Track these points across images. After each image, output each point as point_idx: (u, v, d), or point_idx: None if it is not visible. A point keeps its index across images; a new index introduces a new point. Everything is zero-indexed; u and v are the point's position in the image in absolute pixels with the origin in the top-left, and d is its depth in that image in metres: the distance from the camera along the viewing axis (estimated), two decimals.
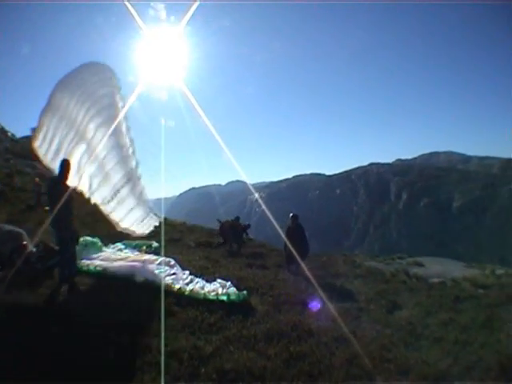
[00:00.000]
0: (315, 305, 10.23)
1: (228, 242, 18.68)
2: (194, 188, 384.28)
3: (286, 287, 11.67)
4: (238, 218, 19.88)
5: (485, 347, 7.99)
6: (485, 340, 8.39)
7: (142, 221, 11.74)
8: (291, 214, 15.74)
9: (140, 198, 11.32)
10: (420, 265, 21.50)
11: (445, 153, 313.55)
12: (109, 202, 11.28)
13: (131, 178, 10.96)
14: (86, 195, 11.40)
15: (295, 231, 15.15)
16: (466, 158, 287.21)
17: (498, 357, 7.30)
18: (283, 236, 15.22)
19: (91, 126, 10.98)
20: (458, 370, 6.93)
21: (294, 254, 13.90)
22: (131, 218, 11.58)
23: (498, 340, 8.38)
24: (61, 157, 10.65)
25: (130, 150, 10.89)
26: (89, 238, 12.80)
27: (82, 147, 11.19)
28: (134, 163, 10.95)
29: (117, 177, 11.01)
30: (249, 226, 20.21)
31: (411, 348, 8.02)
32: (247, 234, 20.09)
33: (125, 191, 11.07)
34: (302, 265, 13.56)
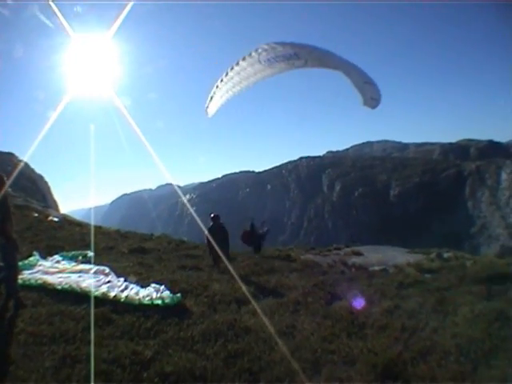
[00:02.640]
0: (359, 301, 10.68)
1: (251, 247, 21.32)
2: (125, 194, 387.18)
3: (220, 287, 12.08)
4: (252, 226, 21.78)
5: (439, 332, 8.16)
6: (438, 324, 8.57)
7: None
8: (211, 215, 16.69)
9: None
10: (359, 254, 22.13)
11: (379, 142, 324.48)
12: None
13: None
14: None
15: (217, 231, 16.11)
16: (403, 146, 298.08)
17: (456, 340, 7.49)
18: (205, 236, 16.17)
19: None
20: (411, 356, 6.98)
21: (219, 254, 14.91)
22: None
23: (455, 323, 8.57)
24: None
25: None
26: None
27: None
28: None
29: None
30: (267, 232, 23.20)
31: (355, 338, 8.10)
32: (264, 239, 22.42)
33: None
34: (227, 263, 14.33)
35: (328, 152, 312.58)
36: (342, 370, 6.64)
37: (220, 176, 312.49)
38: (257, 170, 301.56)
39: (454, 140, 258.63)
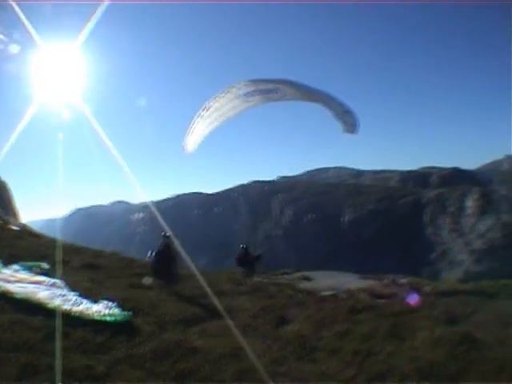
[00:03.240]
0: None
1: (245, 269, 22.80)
2: (81, 208, 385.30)
3: (169, 307, 12.29)
4: (246, 249, 23.65)
5: (396, 356, 8.23)
6: (394, 349, 8.65)
7: None
8: (163, 233, 16.97)
9: None
10: (308, 279, 22.24)
11: (334, 168, 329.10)
12: None
13: None
14: None
15: (165, 250, 16.43)
16: (359, 173, 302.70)
17: (416, 364, 7.55)
18: (150, 256, 16.83)
19: None
20: (367, 379, 7.06)
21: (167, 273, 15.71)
22: None
23: (413, 347, 8.66)
24: None
25: None
26: None
27: None
28: None
29: None
30: (260, 255, 25.44)
31: (305, 361, 8.15)
32: (258, 262, 24.61)
33: None
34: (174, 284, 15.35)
35: (281, 177, 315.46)
36: None
37: (172, 196, 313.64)
38: (208, 192, 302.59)
39: (415, 168, 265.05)
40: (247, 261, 23.01)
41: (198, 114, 14.79)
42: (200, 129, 15.02)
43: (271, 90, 13.65)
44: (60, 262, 18.05)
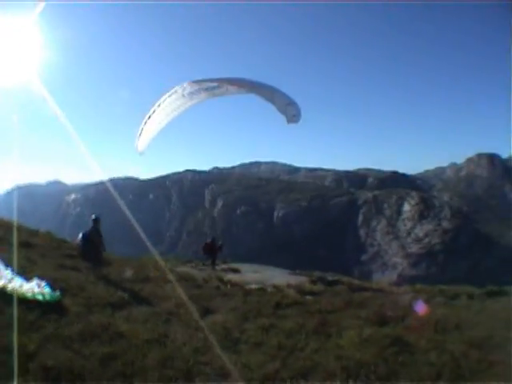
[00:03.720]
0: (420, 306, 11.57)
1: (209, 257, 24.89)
2: (19, 186, 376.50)
3: (97, 290, 12.47)
4: (214, 239, 25.69)
5: (321, 353, 8.41)
6: (320, 346, 8.86)
7: None
8: (93, 217, 16.99)
9: None
10: (236, 271, 22.50)
11: (267, 163, 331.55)
12: None
13: None
14: None
15: (93, 234, 16.43)
16: (293, 169, 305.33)
17: (340, 362, 7.73)
18: (78, 240, 16.54)
19: None
20: (290, 375, 7.17)
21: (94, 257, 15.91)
22: None
23: (339, 346, 8.88)
24: None
25: None
26: None
27: None
28: None
29: None
30: (222, 246, 26.49)
31: (228, 352, 8.25)
32: (221, 252, 26.52)
33: None
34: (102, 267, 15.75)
35: (214, 168, 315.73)
36: (215, 383, 6.82)
37: (106, 179, 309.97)
38: (141, 178, 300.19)
39: (352, 168, 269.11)
40: (213, 250, 24.82)
41: (146, 116, 15.73)
42: (147, 129, 15.86)
43: (215, 86, 14.54)
44: None
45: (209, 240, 25.28)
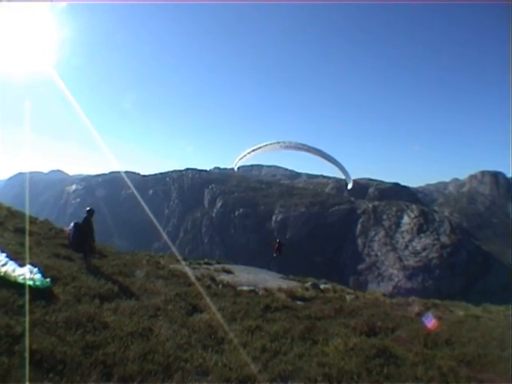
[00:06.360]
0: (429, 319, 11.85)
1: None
2: (21, 173, 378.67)
3: (87, 280, 12.66)
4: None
5: (304, 358, 8.42)
6: (304, 351, 8.86)
7: None
8: (87, 208, 17.18)
9: None
10: (229, 272, 22.49)
11: (269, 167, 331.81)
12: None
13: None
14: None
15: (85, 225, 16.68)
16: (295, 175, 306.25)
17: (323, 369, 7.71)
18: (69, 229, 17.04)
19: None
20: (270, 378, 7.22)
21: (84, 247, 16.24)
22: None
23: (323, 353, 8.88)
24: None
25: None
26: None
27: None
28: None
29: None
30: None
31: (211, 350, 8.31)
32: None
33: None
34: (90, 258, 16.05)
35: (215, 168, 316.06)
36: (194, 379, 6.85)
37: (107, 172, 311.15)
38: (142, 173, 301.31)
39: (353, 178, 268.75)
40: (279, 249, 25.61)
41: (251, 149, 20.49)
42: (247, 157, 20.77)
43: (309, 149, 19.30)
44: None
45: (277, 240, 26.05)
